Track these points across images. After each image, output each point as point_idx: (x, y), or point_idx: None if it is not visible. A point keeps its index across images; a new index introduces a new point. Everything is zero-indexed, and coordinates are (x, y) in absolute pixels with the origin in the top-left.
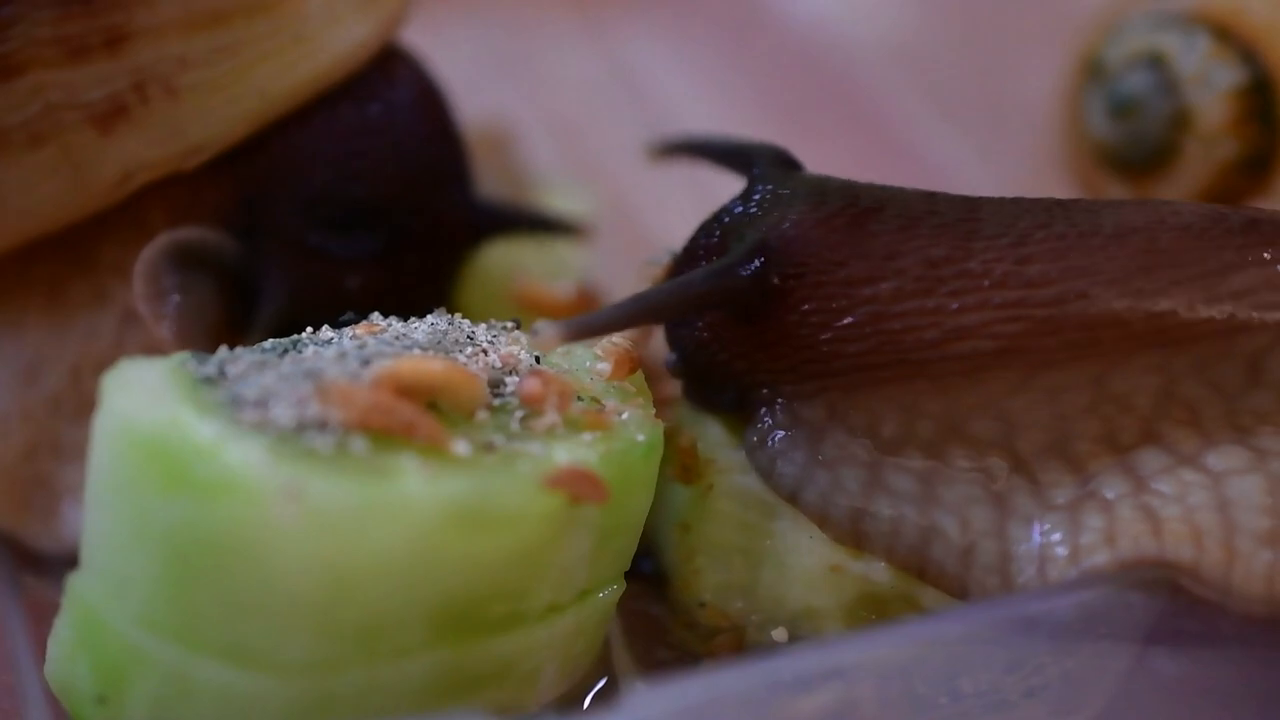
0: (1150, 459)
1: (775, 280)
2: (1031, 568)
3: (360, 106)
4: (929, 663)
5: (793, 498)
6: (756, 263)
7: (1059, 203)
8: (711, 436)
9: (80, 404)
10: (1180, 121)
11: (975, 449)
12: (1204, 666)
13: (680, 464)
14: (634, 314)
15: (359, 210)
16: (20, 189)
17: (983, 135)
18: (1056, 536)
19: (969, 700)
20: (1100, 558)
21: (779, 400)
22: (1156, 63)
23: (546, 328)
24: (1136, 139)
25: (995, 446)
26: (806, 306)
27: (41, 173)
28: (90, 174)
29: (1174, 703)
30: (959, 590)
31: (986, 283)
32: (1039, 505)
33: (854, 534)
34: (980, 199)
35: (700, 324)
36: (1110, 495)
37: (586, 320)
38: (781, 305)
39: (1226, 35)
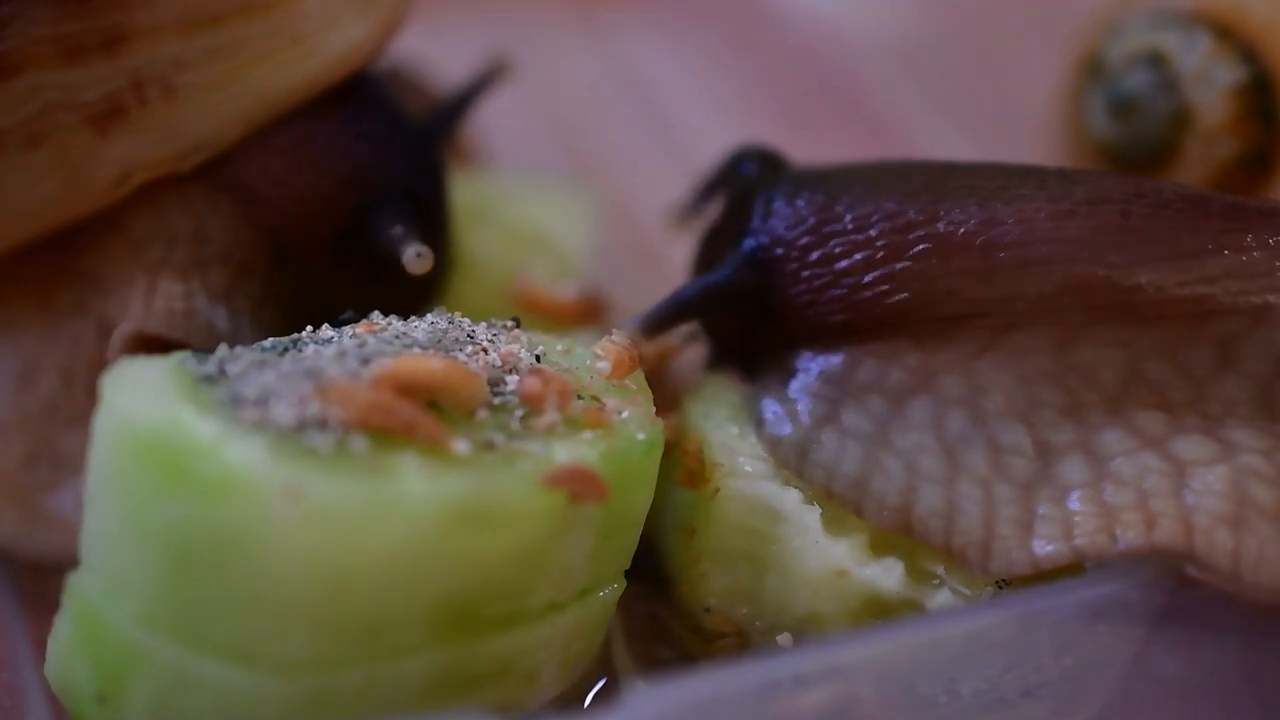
0: (1114, 440)
1: (767, 274)
2: (980, 531)
3: (323, 114)
4: (928, 662)
5: (759, 430)
6: (750, 263)
7: (1035, 169)
8: (717, 441)
9: (74, 408)
10: (1180, 120)
11: (939, 403)
12: (1203, 664)
13: (686, 469)
14: (673, 313)
15: (352, 213)
16: (18, 189)
17: (983, 134)
18: (1011, 512)
19: (968, 699)
20: (1057, 548)
21: (782, 364)
22: (1157, 61)
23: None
24: (1137, 137)
25: (960, 404)
26: (794, 290)
27: (39, 173)
28: (88, 174)
29: (1173, 701)
30: (903, 527)
31: (952, 243)
32: (994, 469)
33: (798, 464)
34: (956, 164)
35: (727, 318)
36: (1069, 482)
37: (644, 319)
38: (777, 293)
39: (1227, 34)
